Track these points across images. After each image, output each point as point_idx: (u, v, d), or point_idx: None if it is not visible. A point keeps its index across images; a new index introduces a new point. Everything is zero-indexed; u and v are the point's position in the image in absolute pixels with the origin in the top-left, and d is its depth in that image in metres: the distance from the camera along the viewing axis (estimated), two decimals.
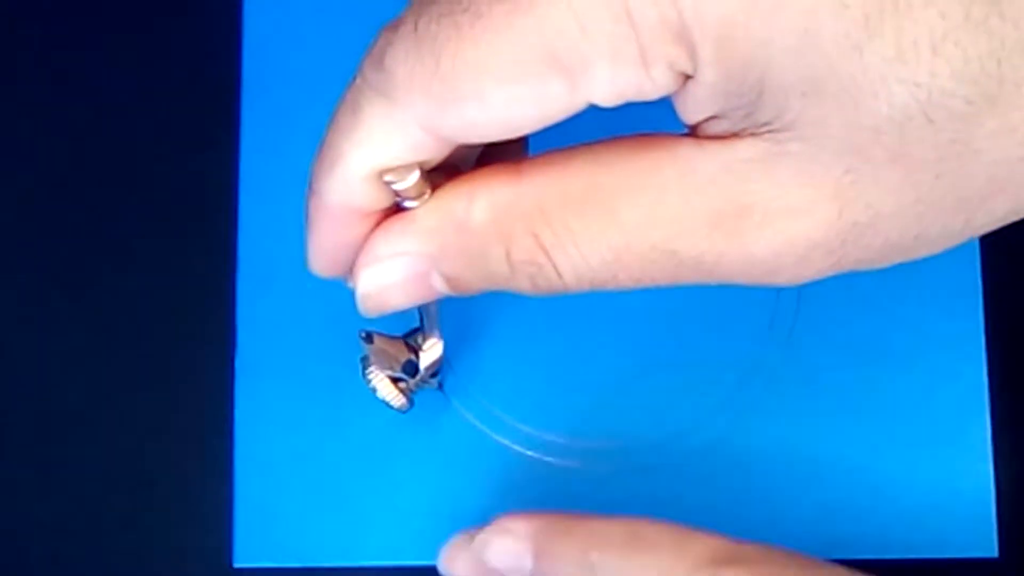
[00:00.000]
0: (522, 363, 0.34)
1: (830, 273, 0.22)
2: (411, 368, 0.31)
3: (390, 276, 0.24)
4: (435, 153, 0.22)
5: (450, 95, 0.20)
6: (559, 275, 0.22)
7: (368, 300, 0.24)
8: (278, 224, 0.34)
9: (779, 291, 0.34)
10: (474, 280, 0.24)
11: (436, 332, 0.30)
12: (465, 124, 0.21)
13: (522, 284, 0.23)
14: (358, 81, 0.22)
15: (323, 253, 0.25)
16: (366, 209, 0.23)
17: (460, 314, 0.34)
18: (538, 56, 0.20)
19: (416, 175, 0.22)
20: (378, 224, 0.24)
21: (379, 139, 0.22)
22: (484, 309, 0.34)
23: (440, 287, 0.24)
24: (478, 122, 0.21)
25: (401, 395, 0.31)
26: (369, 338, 0.30)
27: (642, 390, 0.33)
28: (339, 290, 0.34)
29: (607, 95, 0.21)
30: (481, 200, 0.22)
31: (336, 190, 0.23)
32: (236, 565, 0.33)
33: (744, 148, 0.20)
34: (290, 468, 0.34)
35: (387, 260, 0.24)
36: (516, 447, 0.33)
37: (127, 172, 0.35)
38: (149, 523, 0.34)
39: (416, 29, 0.20)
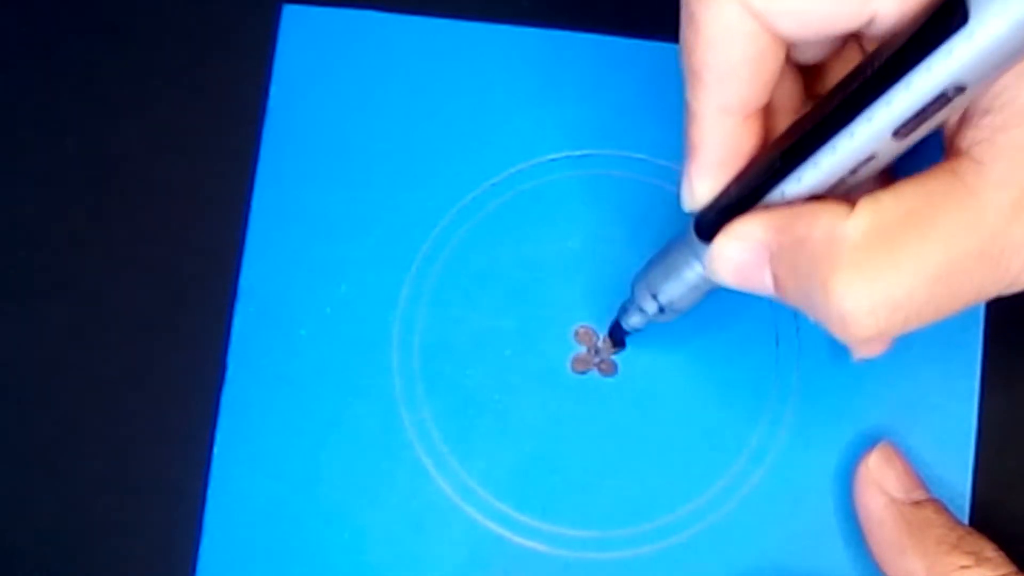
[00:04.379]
0: (505, 439, 0.34)
1: None
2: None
3: (731, 250, 0.26)
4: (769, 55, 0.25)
5: None
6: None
7: (711, 261, 0.27)
8: (281, 261, 0.35)
9: (775, 381, 0.34)
10: (794, 295, 0.26)
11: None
12: (768, 10, 0.24)
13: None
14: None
15: (704, 152, 0.27)
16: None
17: (449, 385, 0.34)
18: None
19: None
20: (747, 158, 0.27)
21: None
22: (475, 381, 0.34)
23: (769, 285, 0.26)
24: (781, 11, 0.24)
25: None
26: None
27: (620, 481, 0.33)
28: (330, 336, 0.34)
29: (891, 14, 0.23)
30: (822, 224, 0.24)
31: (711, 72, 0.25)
32: None
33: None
34: (260, 517, 0.34)
35: (736, 237, 0.26)
36: (487, 523, 0.33)
37: (142, 179, 0.36)
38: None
39: None
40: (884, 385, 0.33)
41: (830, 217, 0.24)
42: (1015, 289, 0.24)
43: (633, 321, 0.32)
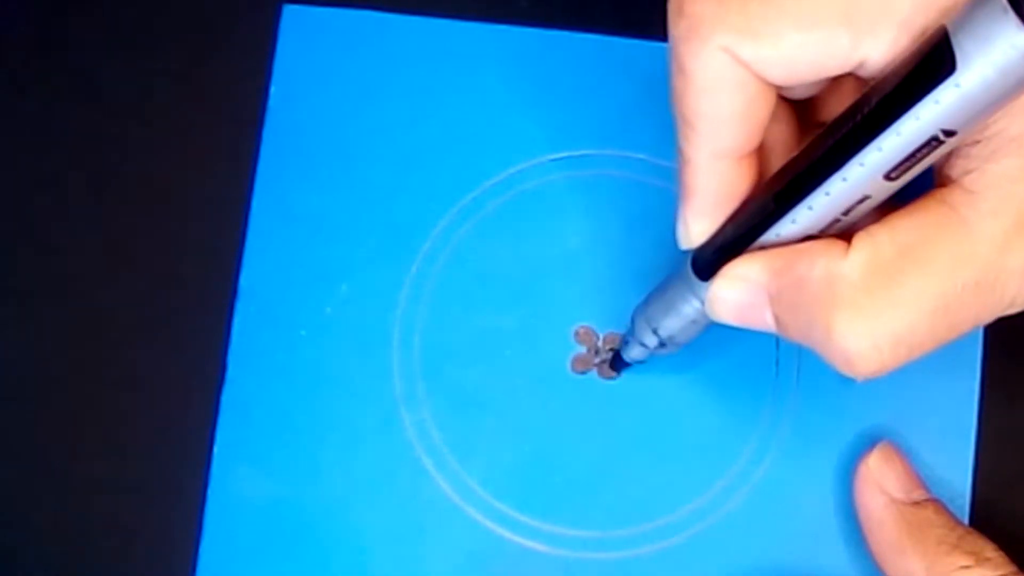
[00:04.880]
0: (505, 439, 0.34)
1: None
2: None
3: (729, 292, 0.27)
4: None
5: (749, 31, 0.23)
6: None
7: (710, 303, 0.27)
8: (281, 261, 0.35)
9: (775, 381, 0.34)
10: (796, 333, 0.26)
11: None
12: (758, 59, 0.24)
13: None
14: (670, 43, 0.25)
15: (698, 195, 0.27)
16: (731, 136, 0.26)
17: (449, 385, 0.34)
18: (836, 11, 0.23)
19: None
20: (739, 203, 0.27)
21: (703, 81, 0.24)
22: (475, 381, 0.34)
23: (771, 324, 0.27)
24: (770, 60, 0.24)
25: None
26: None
27: (620, 481, 0.33)
28: (330, 336, 0.34)
29: (882, 58, 0.23)
30: (820, 266, 0.25)
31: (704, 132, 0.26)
32: None
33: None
34: (260, 517, 0.34)
35: (734, 279, 0.27)
36: (487, 523, 0.33)
37: (142, 179, 0.36)
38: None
39: None
40: (884, 385, 0.33)
41: (828, 257, 0.25)
42: (1012, 311, 0.25)
43: (634, 354, 0.32)
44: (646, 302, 0.31)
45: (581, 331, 0.34)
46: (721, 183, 0.27)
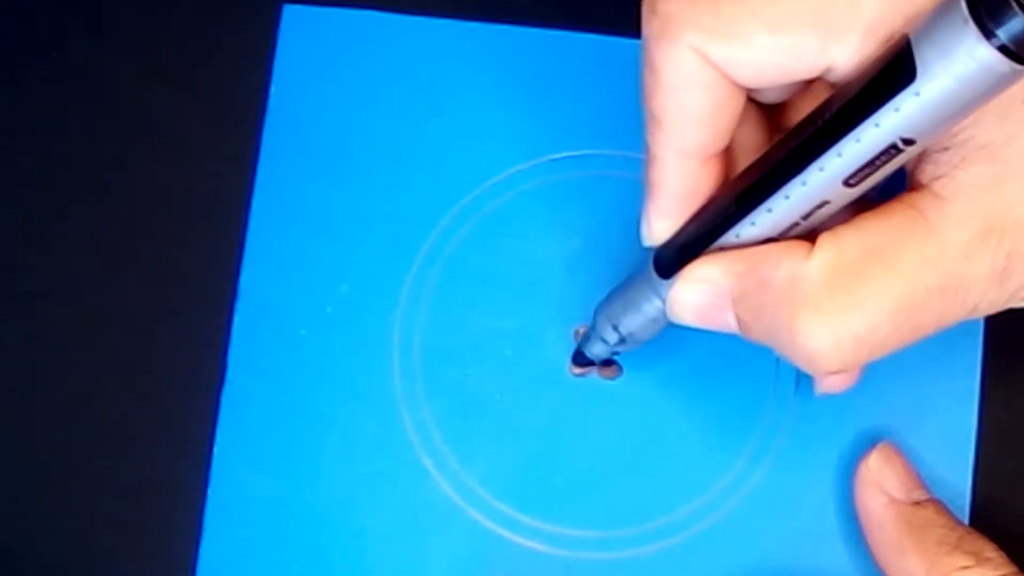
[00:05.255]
0: (506, 440, 0.34)
1: None
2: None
3: (690, 295, 0.27)
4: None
5: (719, 31, 0.24)
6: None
7: (671, 305, 0.27)
8: (281, 261, 0.35)
9: (775, 381, 0.34)
10: (758, 335, 0.26)
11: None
12: (727, 60, 0.24)
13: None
14: (642, 41, 0.25)
15: (663, 194, 0.27)
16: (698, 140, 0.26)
17: (449, 385, 0.34)
18: (805, 15, 0.23)
19: None
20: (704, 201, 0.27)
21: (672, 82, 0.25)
22: (476, 381, 0.34)
23: (733, 325, 0.27)
24: (739, 61, 0.24)
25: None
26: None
27: (621, 481, 0.33)
28: (330, 336, 0.34)
29: (849, 64, 0.23)
30: (784, 267, 0.25)
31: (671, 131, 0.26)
32: None
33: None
34: (260, 517, 0.34)
35: (695, 281, 0.27)
36: (487, 523, 0.33)
37: (142, 179, 0.36)
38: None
39: None
40: (884, 385, 0.33)
41: (791, 259, 0.25)
42: (975, 316, 0.25)
43: (595, 351, 0.32)
44: (608, 299, 0.31)
45: (582, 331, 0.34)
46: (686, 182, 0.27)
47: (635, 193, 0.35)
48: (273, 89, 0.36)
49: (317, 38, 0.36)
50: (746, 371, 0.34)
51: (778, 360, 0.34)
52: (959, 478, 0.33)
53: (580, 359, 0.33)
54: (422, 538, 0.33)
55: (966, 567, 0.29)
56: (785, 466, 0.33)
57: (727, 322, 0.27)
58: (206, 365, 0.35)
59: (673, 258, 0.27)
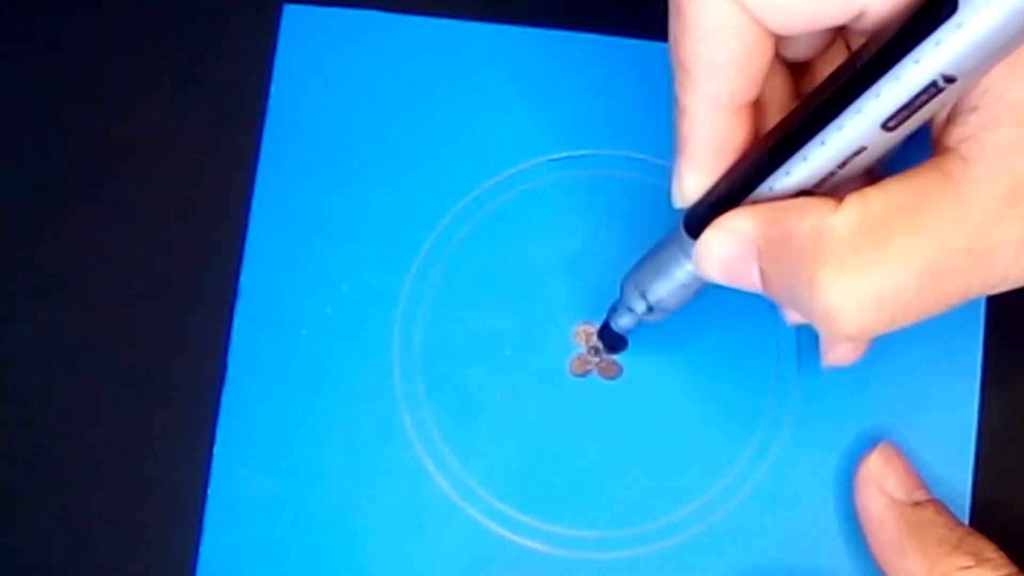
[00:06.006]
0: (506, 439, 0.34)
1: None
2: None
3: (717, 244, 0.26)
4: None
5: None
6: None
7: (698, 257, 0.27)
8: (281, 261, 0.35)
9: (775, 381, 0.34)
10: (780, 290, 0.26)
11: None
12: (757, 4, 0.24)
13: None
14: None
15: (694, 148, 0.27)
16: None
17: (449, 385, 0.34)
18: None
19: None
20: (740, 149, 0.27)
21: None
22: (475, 381, 0.34)
23: (757, 280, 0.26)
24: (768, 5, 0.24)
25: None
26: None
27: (621, 481, 0.33)
28: (330, 336, 0.34)
29: (881, 7, 0.23)
30: (810, 219, 0.24)
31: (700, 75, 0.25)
32: None
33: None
34: (260, 517, 0.34)
35: (723, 231, 0.26)
36: (487, 523, 0.33)
37: (142, 179, 0.36)
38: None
39: None
40: (884, 385, 0.33)
41: (818, 212, 0.24)
42: (1003, 288, 0.24)
43: (623, 322, 0.32)
44: (636, 267, 0.30)
45: (581, 330, 0.34)
46: (717, 134, 0.26)
47: (635, 193, 0.35)
48: (273, 89, 0.36)
49: (317, 38, 0.36)
50: (746, 371, 0.34)
51: (779, 358, 0.34)
52: (959, 478, 0.33)
53: (607, 334, 0.33)
54: (421, 537, 0.33)
55: (967, 567, 0.29)
56: (785, 466, 0.33)
57: (751, 277, 0.26)
58: (206, 365, 0.35)
59: (704, 216, 0.27)
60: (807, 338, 0.34)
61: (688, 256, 0.28)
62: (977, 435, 0.33)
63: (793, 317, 0.30)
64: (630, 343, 0.33)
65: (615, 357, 0.34)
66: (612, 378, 0.34)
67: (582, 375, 0.34)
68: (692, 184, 0.27)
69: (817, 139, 0.24)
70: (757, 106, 0.27)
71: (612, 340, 0.33)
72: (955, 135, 0.24)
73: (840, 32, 0.27)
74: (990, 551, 0.30)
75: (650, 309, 0.30)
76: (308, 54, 0.36)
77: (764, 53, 0.25)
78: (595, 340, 0.34)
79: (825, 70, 0.27)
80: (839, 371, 0.33)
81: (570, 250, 0.35)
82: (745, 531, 0.33)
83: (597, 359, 0.34)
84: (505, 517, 0.33)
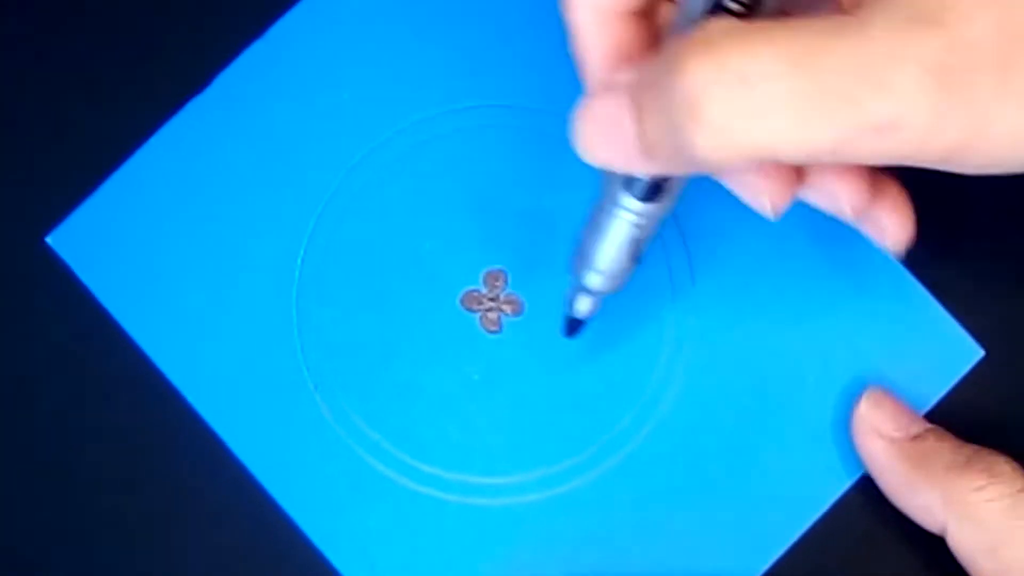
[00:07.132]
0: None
1: None
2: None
3: (598, 109, 0.24)
4: None
5: None
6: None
7: (576, 137, 0.25)
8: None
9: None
10: (653, 115, 0.23)
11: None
12: None
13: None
14: None
15: (591, 66, 0.26)
16: None
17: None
18: None
19: None
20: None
21: None
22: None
23: (633, 134, 0.24)
24: None
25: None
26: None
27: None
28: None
29: None
30: (690, 62, 0.21)
31: None
32: None
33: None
34: None
35: (600, 95, 0.24)
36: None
37: None
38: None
39: None
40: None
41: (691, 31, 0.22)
42: (909, 139, 0.21)
43: (583, 307, 0.31)
44: (577, 247, 0.30)
45: (490, 275, 0.34)
46: (609, 40, 0.25)
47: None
48: None
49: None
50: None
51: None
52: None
53: (572, 326, 0.32)
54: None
55: (981, 487, 0.28)
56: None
57: (629, 135, 0.24)
58: None
59: None
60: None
61: (618, 203, 0.27)
62: (977, 434, 0.33)
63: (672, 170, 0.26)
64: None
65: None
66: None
67: (471, 310, 0.34)
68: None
69: None
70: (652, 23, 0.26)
71: (576, 328, 0.32)
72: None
73: None
74: (1002, 464, 0.29)
75: (604, 280, 0.29)
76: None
77: None
78: (499, 292, 0.34)
79: None
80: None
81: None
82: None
83: (492, 305, 0.34)
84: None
